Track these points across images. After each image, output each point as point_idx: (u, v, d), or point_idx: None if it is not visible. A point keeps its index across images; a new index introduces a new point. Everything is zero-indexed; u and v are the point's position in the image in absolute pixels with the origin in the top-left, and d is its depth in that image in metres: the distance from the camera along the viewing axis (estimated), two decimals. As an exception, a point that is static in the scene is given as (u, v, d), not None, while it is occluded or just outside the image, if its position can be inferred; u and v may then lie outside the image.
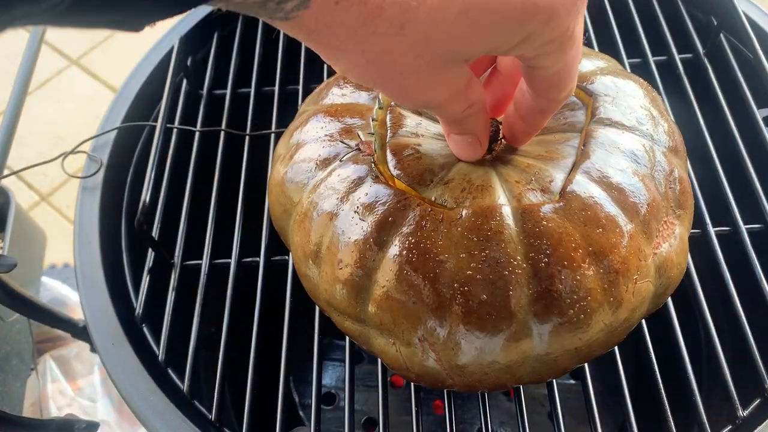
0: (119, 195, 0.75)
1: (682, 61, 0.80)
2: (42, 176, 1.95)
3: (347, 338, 0.60)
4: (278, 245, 0.64)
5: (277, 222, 0.56)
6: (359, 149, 0.51)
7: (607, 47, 0.80)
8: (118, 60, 2.16)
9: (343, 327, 0.52)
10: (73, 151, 0.75)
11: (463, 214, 0.46)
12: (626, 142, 0.50)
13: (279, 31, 0.86)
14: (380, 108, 0.54)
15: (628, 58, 0.80)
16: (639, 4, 0.84)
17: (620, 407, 0.57)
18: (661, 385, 0.57)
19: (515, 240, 0.45)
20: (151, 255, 0.69)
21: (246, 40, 0.86)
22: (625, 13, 0.84)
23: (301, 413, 1.00)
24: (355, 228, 0.48)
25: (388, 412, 0.59)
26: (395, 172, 0.50)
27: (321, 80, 0.83)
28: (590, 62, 0.56)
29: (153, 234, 0.69)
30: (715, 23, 0.80)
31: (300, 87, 0.82)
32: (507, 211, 0.46)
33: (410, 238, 0.46)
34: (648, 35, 0.81)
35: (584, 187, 0.47)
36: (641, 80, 0.56)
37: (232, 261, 0.69)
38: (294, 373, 1.00)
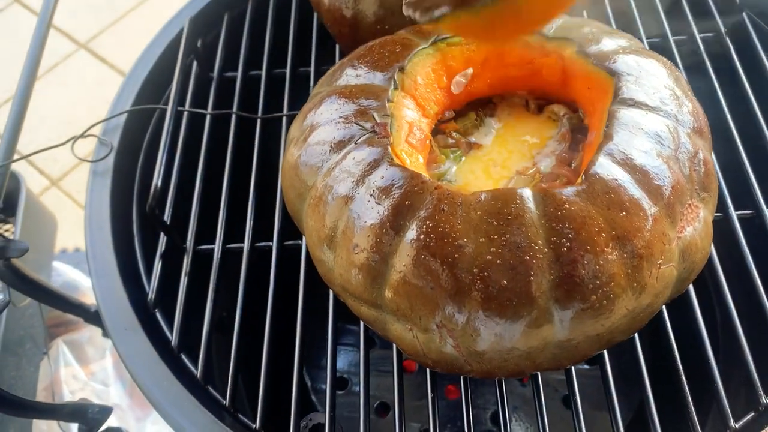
0: (130, 179, 0.74)
1: (703, 39, 0.78)
2: (52, 161, 1.94)
3: (361, 323, 0.60)
4: (291, 229, 0.63)
5: (291, 206, 0.55)
6: (375, 131, 0.50)
7: (626, 25, 0.78)
8: (126, 44, 2.15)
9: (358, 312, 0.51)
10: (83, 135, 0.74)
11: (482, 197, 0.45)
12: (650, 122, 0.49)
13: (290, 12, 0.85)
14: (396, 89, 0.53)
15: (647, 36, 0.78)
16: (658, -19, 0.82)
17: (638, 391, 0.56)
18: (681, 371, 0.56)
19: (536, 224, 0.44)
20: (163, 240, 0.68)
21: (257, 22, 0.85)
22: (644, -8, 0.82)
23: (313, 397, 1.00)
24: (371, 212, 0.47)
25: (403, 397, 0.58)
26: (408, 157, 0.49)
27: (333, 62, 0.81)
28: (612, 41, 0.54)
29: (165, 219, 0.68)
30: (738, 1, 0.78)
31: (312, 69, 0.80)
32: (527, 194, 0.45)
33: (428, 222, 0.45)
34: (668, 13, 0.79)
35: (607, 169, 0.46)
36: (664, 59, 0.55)
37: (245, 245, 0.68)
38: (306, 358, 1.00)
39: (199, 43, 0.82)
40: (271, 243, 0.68)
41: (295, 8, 0.85)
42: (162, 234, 0.68)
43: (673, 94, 0.51)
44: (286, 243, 0.68)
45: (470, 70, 0.56)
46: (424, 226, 0.45)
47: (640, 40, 0.78)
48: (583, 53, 0.53)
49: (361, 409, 0.57)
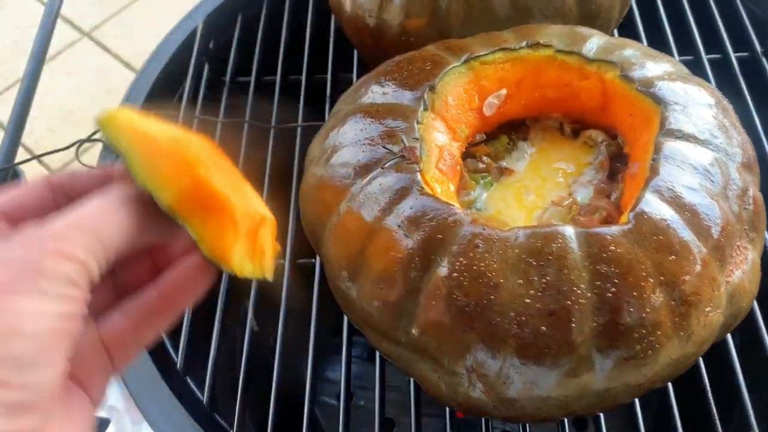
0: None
1: (738, 59, 0.74)
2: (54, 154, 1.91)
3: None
4: (304, 247, 0.60)
5: (309, 228, 0.52)
6: (403, 156, 0.47)
7: (657, 44, 0.75)
8: (131, 34, 2.11)
9: (378, 346, 0.48)
10: (89, 139, 0.70)
11: (520, 234, 0.42)
12: (699, 156, 0.45)
13: (306, 15, 0.81)
14: (425, 109, 0.50)
15: (679, 55, 0.75)
16: (692, -2, 0.79)
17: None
18: (716, 416, 0.53)
19: (579, 266, 0.41)
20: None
21: (272, 24, 0.81)
22: (676, 8, 0.78)
23: (316, 410, 0.97)
24: (399, 244, 0.43)
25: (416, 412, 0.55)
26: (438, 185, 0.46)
27: (351, 70, 0.78)
28: (656, 65, 0.51)
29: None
30: (776, 20, 0.75)
31: (328, 76, 0.77)
32: (570, 233, 0.42)
33: (461, 259, 0.42)
34: (701, 31, 0.76)
35: (655, 207, 0.43)
36: (711, 87, 0.51)
37: None
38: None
39: (211, 45, 0.79)
40: (283, 261, 0.64)
41: (311, 11, 0.82)
42: (169, 248, 0.65)
43: (722, 125, 0.48)
44: (299, 261, 0.65)
45: (504, 91, 0.52)
46: (457, 263, 0.42)
47: (672, 57, 0.74)
48: (627, 78, 0.50)
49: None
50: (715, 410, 0.53)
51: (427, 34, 0.61)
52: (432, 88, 0.50)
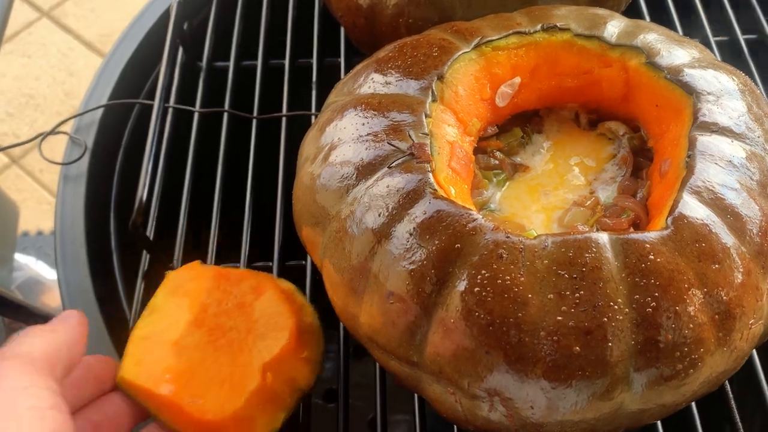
0: (107, 185, 0.65)
1: (747, 41, 0.71)
2: (13, 137, 1.82)
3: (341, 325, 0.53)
4: (293, 248, 0.55)
5: (305, 233, 0.47)
6: (412, 154, 0.42)
7: (664, 24, 0.71)
8: (94, 13, 2.01)
9: (386, 365, 0.44)
10: (52, 132, 0.64)
11: (549, 243, 0.38)
12: (736, 152, 0.41)
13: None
14: (434, 101, 0.45)
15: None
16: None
17: None
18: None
19: (616, 278, 0.37)
20: (146, 257, 0.60)
21: (251, 3, 0.75)
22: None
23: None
24: (411, 255, 0.39)
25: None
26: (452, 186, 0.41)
27: (338, 53, 0.73)
28: (684, 51, 0.47)
29: (148, 233, 0.60)
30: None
31: (314, 60, 0.71)
32: (604, 241, 0.37)
33: (483, 272, 0.37)
34: (708, 13, 0.72)
35: (695, 211, 0.38)
36: (741, 73, 0.47)
37: (241, 266, 0.59)
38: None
39: (185, 27, 0.73)
40: (270, 263, 0.59)
41: (294, -11, 0.76)
42: (145, 252, 0.59)
43: (758, 117, 0.44)
44: (287, 263, 0.60)
45: (518, 79, 0.48)
46: (479, 277, 0.37)
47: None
48: (654, 65, 0.45)
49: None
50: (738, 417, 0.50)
51: (426, 15, 0.56)
52: (441, 77, 0.45)
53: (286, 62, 0.71)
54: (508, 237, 0.38)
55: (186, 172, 0.63)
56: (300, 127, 0.63)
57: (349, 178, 0.43)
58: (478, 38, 0.47)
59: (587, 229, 0.43)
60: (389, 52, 0.48)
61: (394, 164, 0.42)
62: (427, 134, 0.43)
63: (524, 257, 0.37)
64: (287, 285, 0.51)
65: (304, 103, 0.68)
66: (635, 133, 0.48)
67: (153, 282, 0.59)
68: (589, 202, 0.45)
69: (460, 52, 0.46)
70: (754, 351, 0.52)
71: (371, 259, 0.40)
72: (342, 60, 0.72)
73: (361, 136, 0.44)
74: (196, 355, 0.47)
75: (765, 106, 0.46)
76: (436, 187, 0.40)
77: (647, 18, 0.71)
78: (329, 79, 0.71)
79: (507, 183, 0.47)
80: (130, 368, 0.46)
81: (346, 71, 0.71)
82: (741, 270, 0.38)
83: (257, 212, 0.62)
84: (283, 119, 0.66)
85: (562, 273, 0.37)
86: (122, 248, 0.62)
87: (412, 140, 0.42)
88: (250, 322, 0.48)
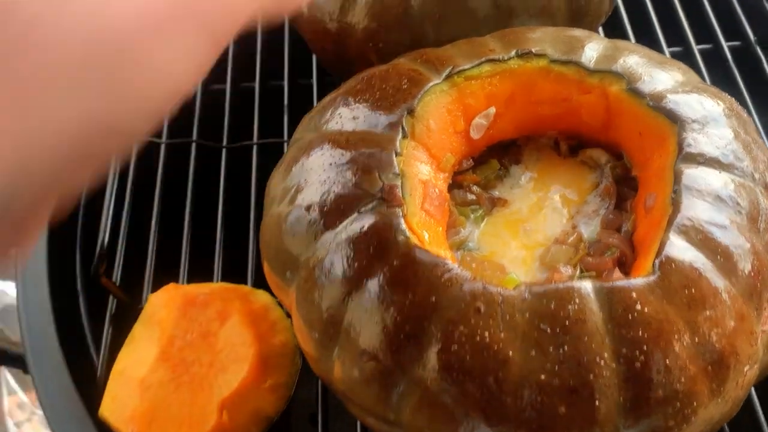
0: (71, 221, 0.62)
1: (731, 49, 0.69)
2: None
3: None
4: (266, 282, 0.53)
5: (273, 277, 0.45)
6: (383, 198, 0.39)
7: (644, 36, 0.69)
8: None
9: (363, 421, 0.42)
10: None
11: (527, 294, 0.35)
12: (725, 185, 0.39)
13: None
14: (405, 137, 0.42)
15: (668, 47, 0.69)
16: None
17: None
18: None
19: (601, 331, 0.34)
20: (113, 301, 0.57)
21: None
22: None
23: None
24: (384, 309, 0.36)
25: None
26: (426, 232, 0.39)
27: (310, 74, 0.70)
28: (666, 74, 0.44)
29: (115, 273, 0.57)
30: (770, 8, 0.69)
31: (285, 83, 0.69)
32: (587, 290, 0.35)
33: (461, 328, 0.35)
34: (690, 21, 0.70)
35: (683, 252, 0.36)
36: (726, 96, 0.45)
37: (215, 279, 0.57)
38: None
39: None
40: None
41: (263, 9, 0.73)
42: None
43: (745, 144, 0.42)
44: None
45: (492, 110, 0.45)
46: (457, 333, 0.35)
47: (660, 49, 0.68)
48: (635, 91, 0.43)
49: None
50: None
51: (397, 39, 0.53)
52: (411, 112, 0.43)
53: (257, 85, 0.68)
54: (485, 288, 0.35)
55: (154, 206, 0.61)
56: (272, 155, 0.61)
57: (316, 224, 0.40)
58: (450, 68, 0.44)
59: (570, 271, 0.40)
60: (357, 84, 0.46)
61: (363, 209, 0.39)
62: (398, 175, 0.40)
63: (503, 310, 0.35)
64: (261, 300, 0.51)
65: (276, 127, 0.66)
66: (618, 160, 0.46)
67: (123, 326, 0.56)
68: (571, 239, 0.43)
69: (431, 84, 0.44)
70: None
71: (342, 313, 0.38)
72: (314, 81, 0.69)
73: (328, 178, 0.41)
74: (160, 394, 0.47)
75: (753, 132, 0.44)
76: (409, 233, 0.38)
77: (628, 28, 0.69)
78: (302, 101, 0.69)
79: (485, 219, 0.45)
80: (107, 404, 0.48)
81: (319, 93, 0.68)
82: (734, 315, 0.36)
83: (228, 244, 0.60)
84: (255, 147, 0.64)
85: (544, 327, 0.34)
86: (89, 288, 0.59)
87: (382, 182, 0.40)
88: (213, 354, 0.48)
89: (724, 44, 0.69)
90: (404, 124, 0.42)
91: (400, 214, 0.39)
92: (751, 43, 0.69)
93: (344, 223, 0.39)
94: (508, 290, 0.35)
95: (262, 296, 0.52)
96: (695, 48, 0.68)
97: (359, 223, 0.39)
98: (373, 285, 0.37)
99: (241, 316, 0.50)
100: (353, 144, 0.42)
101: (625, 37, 0.68)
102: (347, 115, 0.44)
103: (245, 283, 0.57)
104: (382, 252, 0.37)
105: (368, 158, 0.41)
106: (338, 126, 0.44)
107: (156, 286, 0.57)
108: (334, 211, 0.40)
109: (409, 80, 0.44)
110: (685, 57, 0.69)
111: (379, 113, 0.43)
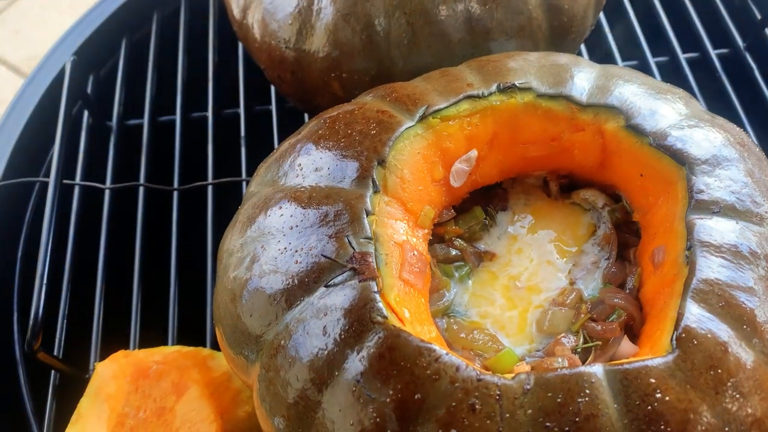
0: (7, 283, 0.56)
1: (719, 56, 0.64)
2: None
3: None
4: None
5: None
6: (354, 269, 0.34)
7: (628, 47, 0.64)
8: (17, 35, 1.87)
9: None
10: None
11: (529, 384, 0.30)
12: (744, 237, 0.34)
13: (207, 35, 0.67)
14: (376, 192, 0.37)
15: (653, 57, 0.64)
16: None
17: None
18: None
19: (617, 426, 0.29)
20: (55, 374, 0.51)
21: (165, 48, 0.66)
22: (646, 5, 0.68)
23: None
24: (361, 410, 0.31)
25: None
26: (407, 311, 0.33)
27: (268, 100, 0.64)
28: (667, 106, 0.39)
29: (57, 338, 0.51)
30: (759, 15, 0.65)
31: (241, 110, 0.63)
32: (599, 376, 0.30)
33: (453, 431, 0.29)
34: (676, 30, 0.66)
35: (705, 324, 0.31)
36: (734, 127, 0.40)
37: (170, 342, 0.51)
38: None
39: (90, 81, 0.63)
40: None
41: (213, 30, 0.67)
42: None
43: (760, 185, 0.37)
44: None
45: (474, 153, 0.40)
46: (447, 437, 0.29)
47: (646, 61, 0.64)
48: (636, 129, 0.38)
49: None
50: None
51: (362, 67, 0.48)
52: (381, 162, 0.37)
53: (209, 114, 0.62)
54: (480, 380, 0.30)
55: (99, 259, 0.54)
56: (231, 195, 0.55)
57: (277, 302, 0.35)
58: (424, 107, 0.39)
59: (572, 342, 0.35)
60: (319, 129, 0.40)
61: (331, 282, 0.34)
62: (371, 239, 0.35)
63: (503, 408, 0.30)
64: (222, 366, 0.47)
65: (233, 163, 0.60)
66: (616, 202, 0.41)
67: (68, 399, 0.50)
68: (570, 298, 0.38)
69: (403, 128, 0.38)
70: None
71: (311, 411, 0.32)
72: (273, 107, 0.63)
73: (289, 245, 0.35)
74: None
75: (764, 162, 0.39)
76: (386, 312, 0.32)
77: (611, 42, 0.64)
78: (261, 131, 0.63)
79: (471, 276, 0.40)
80: None
81: (279, 122, 0.62)
82: (766, 393, 0.31)
83: (184, 299, 0.54)
84: (209, 188, 0.58)
85: (551, 426, 0.29)
86: (29, 360, 0.53)
87: (353, 249, 0.34)
88: None
89: (712, 52, 0.65)
90: (375, 176, 0.37)
91: (376, 288, 0.33)
92: (740, 49, 0.65)
93: (310, 299, 0.34)
94: (506, 380, 0.30)
95: (223, 360, 0.46)
96: (682, 57, 0.64)
97: (328, 300, 0.33)
98: (346, 379, 0.31)
99: (200, 387, 0.45)
100: (317, 201, 0.36)
101: (608, 49, 0.64)
102: (309, 166, 0.38)
103: (203, 344, 0.51)
104: (356, 338, 0.32)
105: (335, 219, 0.35)
106: (299, 179, 0.38)
107: (104, 352, 0.51)
108: (298, 286, 0.34)
109: (377, 124, 0.38)
110: (672, 67, 0.65)
111: (345, 164, 0.37)
